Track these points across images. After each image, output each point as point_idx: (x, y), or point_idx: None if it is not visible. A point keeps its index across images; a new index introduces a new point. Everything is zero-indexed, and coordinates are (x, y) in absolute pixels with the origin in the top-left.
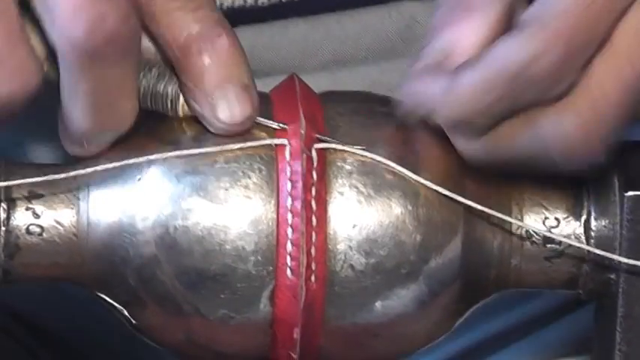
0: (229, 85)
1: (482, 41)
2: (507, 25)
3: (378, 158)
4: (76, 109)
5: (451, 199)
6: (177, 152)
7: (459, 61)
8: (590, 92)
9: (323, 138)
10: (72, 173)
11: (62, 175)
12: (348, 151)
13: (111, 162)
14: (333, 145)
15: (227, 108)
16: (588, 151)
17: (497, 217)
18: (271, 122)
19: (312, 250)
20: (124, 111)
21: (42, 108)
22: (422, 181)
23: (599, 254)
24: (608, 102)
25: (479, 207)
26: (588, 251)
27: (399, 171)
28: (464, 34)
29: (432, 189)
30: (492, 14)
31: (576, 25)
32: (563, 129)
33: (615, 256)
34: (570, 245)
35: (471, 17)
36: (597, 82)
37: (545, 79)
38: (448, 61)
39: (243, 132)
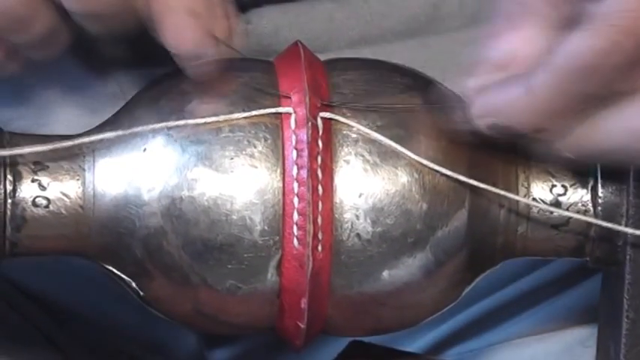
0: (174, 9)
1: (541, 47)
2: (567, 26)
3: (381, 138)
4: None
5: (457, 167)
6: (183, 121)
7: (520, 70)
8: None
9: (331, 103)
10: (77, 141)
11: (68, 143)
12: (353, 120)
13: (115, 132)
14: (338, 117)
15: (174, 33)
16: None
17: (504, 185)
18: (276, 91)
19: (319, 219)
20: None
21: (67, 88)
22: (422, 161)
23: (605, 220)
24: None
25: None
26: (595, 218)
27: (400, 150)
28: (522, 41)
29: (437, 157)
30: (549, 18)
31: None
32: None
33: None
34: (577, 212)
35: (529, 23)
36: None
37: (618, 71)
38: (511, 69)
39: (199, 59)
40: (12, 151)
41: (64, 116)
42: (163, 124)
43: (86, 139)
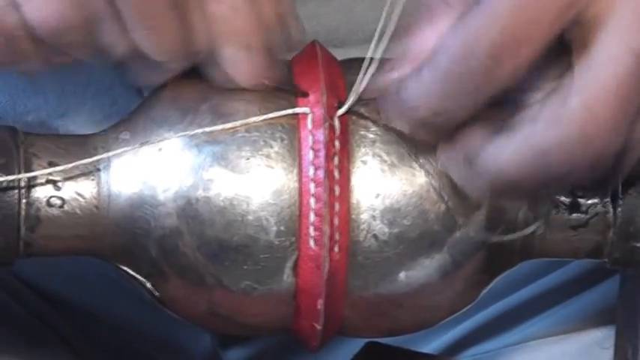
0: (232, 44)
1: None
2: None
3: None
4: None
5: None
6: (200, 130)
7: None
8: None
9: (349, 106)
10: (94, 158)
11: (86, 160)
12: (370, 120)
13: (131, 134)
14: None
15: (231, 67)
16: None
17: None
18: (292, 90)
19: (336, 220)
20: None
21: (85, 80)
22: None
23: (624, 222)
24: (605, 94)
25: None
26: (614, 220)
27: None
28: (436, 35)
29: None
30: (453, 16)
31: (513, 12)
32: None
33: None
34: (596, 214)
35: (445, 17)
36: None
37: (486, 65)
38: (412, 62)
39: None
40: (28, 174)
41: (83, 107)
42: (181, 134)
43: (104, 155)
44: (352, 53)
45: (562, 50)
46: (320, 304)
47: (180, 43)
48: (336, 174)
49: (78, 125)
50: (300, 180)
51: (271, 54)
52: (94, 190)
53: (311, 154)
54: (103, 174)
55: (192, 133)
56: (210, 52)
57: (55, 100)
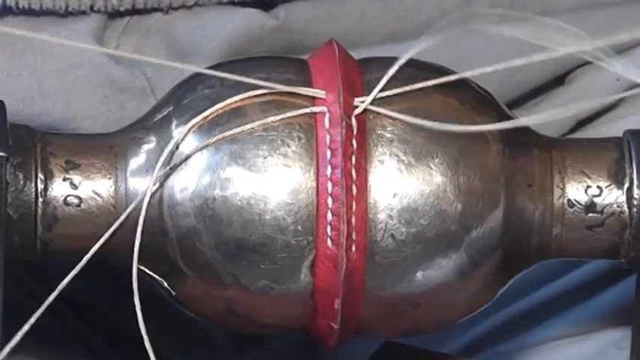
0: None
1: None
2: None
3: (419, 121)
4: None
5: (492, 169)
6: (220, 135)
7: None
8: None
9: (368, 105)
10: (111, 158)
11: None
12: (388, 119)
13: (148, 133)
14: (374, 108)
15: None
16: None
17: (539, 186)
18: (309, 90)
19: (353, 220)
20: None
21: (92, 84)
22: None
23: None
24: None
25: None
26: (630, 220)
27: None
28: None
29: (472, 158)
30: None
31: None
32: None
33: None
34: (612, 214)
35: None
36: None
37: None
38: None
39: None
40: (45, 173)
41: (90, 111)
42: (197, 134)
43: (121, 155)
44: (364, 56)
45: None
46: (337, 303)
47: None
48: (354, 173)
49: (85, 129)
50: (317, 179)
51: None
52: (111, 189)
53: (328, 154)
54: (119, 173)
55: (214, 140)
56: None
57: (62, 104)
